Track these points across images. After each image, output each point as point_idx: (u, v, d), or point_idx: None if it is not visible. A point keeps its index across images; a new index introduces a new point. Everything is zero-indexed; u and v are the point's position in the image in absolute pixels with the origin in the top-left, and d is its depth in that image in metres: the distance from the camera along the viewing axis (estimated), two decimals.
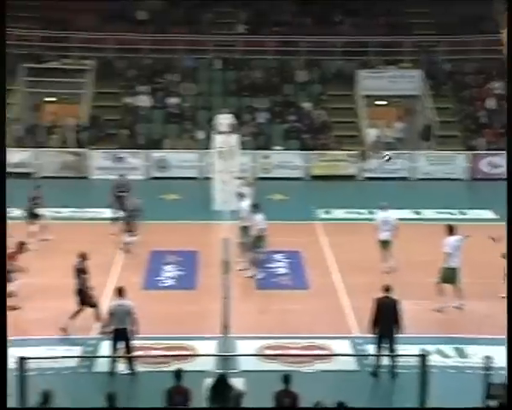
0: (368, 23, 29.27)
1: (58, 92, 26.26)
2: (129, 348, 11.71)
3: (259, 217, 15.74)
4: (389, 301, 11.72)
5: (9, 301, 14.01)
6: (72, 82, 26.28)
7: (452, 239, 14.14)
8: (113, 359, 11.52)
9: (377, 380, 11.59)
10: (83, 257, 13.33)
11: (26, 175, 23.90)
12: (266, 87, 27.41)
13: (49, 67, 26.66)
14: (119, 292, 11.95)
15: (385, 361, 11.67)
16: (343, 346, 12.81)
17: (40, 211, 17.94)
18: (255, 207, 16.06)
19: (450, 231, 14.26)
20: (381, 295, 11.78)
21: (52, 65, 26.84)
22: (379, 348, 11.65)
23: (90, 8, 28.79)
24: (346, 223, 19.78)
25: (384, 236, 15.89)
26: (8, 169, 24.89)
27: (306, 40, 28.24)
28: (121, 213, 17.63)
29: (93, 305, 13.19)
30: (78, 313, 13.13)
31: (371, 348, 12.01)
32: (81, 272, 13.15)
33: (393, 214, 16.40)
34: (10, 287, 13.96)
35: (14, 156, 24.08)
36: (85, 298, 13.10)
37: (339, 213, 20.64)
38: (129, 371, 11.64)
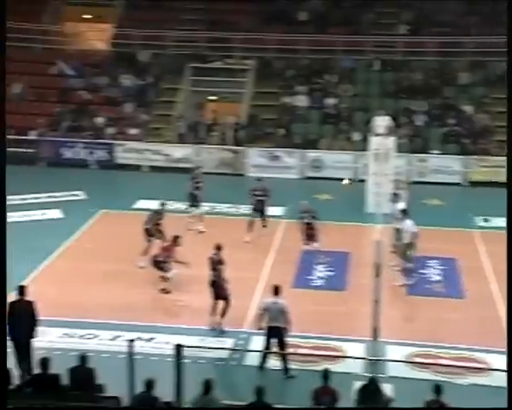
0: None
1: (220, 91, 27.14)
2: (282, 346, 11.78)
3: (409, 222, 15.40)
4: None
5: (163, 285, 14.79)
6: (234, 81, 27.05)
7: None
8: (264, 354, 11.71)
9: None
10: (219, 249, 13.51)
11: (187, 170, 24.88)
12: (425, 89, 26.73)
13: (212, 67, 27.61)
14: (275, 290, 12.01)
15: None
16: (499, 360, 12.24)
17: (200, 197, 18.60)
18: (404, 213, 15.73)
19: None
20: None
21: (216, 65, 27.78)
22: None
23: (253, 10, 29.50)
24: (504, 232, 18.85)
25: None
26: (171, 164, 26.48)
27: (472, 41, 27.17)
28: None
29: (225, 298, 13.30)
30: (215, 307, 13.32)
31: None
32: (217, 263, 13.32)
33: None
34: (167, 275, 14.68)
35: (177, 152, 25.23)
36: (219, 290, 13.23)
37: (499, 221, 19.70)
38: (283, 369, 11.70)
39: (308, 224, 17.14)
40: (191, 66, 27.52)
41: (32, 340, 11.56)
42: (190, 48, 28.22)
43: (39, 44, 28.38)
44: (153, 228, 16.38)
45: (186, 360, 9.19)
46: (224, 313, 13.31)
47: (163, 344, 12.73)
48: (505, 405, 10.69)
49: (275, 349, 11.86)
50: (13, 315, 11.23)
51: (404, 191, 18.01)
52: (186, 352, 9.14)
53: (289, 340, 12.76)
